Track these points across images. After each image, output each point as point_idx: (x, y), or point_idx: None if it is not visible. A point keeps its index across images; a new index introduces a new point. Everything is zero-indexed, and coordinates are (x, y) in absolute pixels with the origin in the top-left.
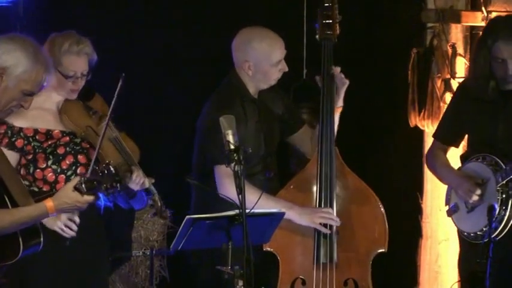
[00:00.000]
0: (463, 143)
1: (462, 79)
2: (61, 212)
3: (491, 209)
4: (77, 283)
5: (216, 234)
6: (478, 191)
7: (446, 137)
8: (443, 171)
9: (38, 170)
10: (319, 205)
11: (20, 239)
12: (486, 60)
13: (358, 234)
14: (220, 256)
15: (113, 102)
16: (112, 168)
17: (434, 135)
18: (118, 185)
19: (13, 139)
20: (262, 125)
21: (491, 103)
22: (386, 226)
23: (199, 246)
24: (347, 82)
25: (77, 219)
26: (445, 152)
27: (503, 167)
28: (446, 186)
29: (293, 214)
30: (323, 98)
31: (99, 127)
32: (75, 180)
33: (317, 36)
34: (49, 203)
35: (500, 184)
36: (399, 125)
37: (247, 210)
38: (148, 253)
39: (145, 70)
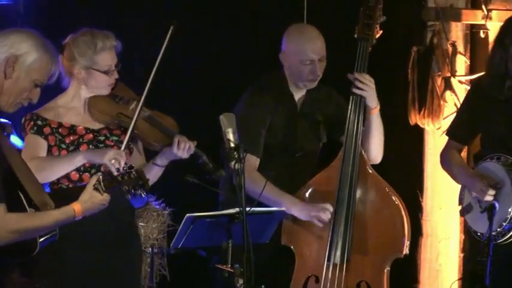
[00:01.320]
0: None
1: (462, 77)
2: (87, 214)
3: (491, 207)
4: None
5: (217, 232)
6: (491, 192)
7: (460, 135)
8: (457, 171)
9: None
10: (337, 203)
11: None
12: (502, 59)
13: (374, 238)
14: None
15: (161, 52)
16: (134, 172)
17: (448, 134)
18: (141, 189)
19: (39, 123)
20: (295, 122)
21: (506, 102)
22: (406, 232)
23: (200, 245)
24: (367, 87)
25: (124, 158)
26: (460, 150)
27: None
28: (447, 185)
29: (294, 209)
30: (352, 98)
31: (129, 111)
32: (93, 180)
33: (355, 35)
34: (77, 206)
35: None
36: (399, 123)
37: (247, 209)
38: (148, 251)
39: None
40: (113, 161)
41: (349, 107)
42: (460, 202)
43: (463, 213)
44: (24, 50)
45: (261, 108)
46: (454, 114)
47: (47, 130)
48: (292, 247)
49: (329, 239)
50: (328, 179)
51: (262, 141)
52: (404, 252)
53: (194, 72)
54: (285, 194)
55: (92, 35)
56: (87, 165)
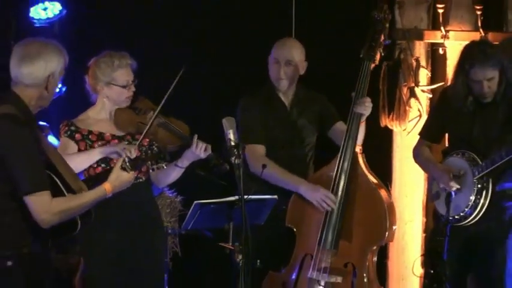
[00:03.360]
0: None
1: (424, 87)
2: (116, 191)
3: (449, 195)
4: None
5: (220, 216)
6: (456, 185)
7: (430, 135)
8: (427, 165)
9: (90, 168)
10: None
11: (78, 217)
12: (464, 82)
13: (360, 227)
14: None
15: (169, 91)
16: (155, 148)
17: (420, 134)
18: (163, 161)
19: (72, 128)
20: (288, 120)
21: (468, 110)
22: (387, 224)
23: (206, 226)
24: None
25: (135, 150)
26: (429, 147)
27: (480, 162)
28: (411, 177)
29: (303, 189)
30: (352, 113)
31: (147, 119)
32: (120, 161)
33: (361, 55)
34: (107, 186)
35: (476, 177)
36: (372, 125)
37: (245, 196)
38: None
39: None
40: (125, 149)
41: (349, 119)
42: (429, 190)
43: (431, 199)
44: (55, 66)
45: (253, 108)
46: (419, 118)
47: (78, 136)
48: (294, 228)
49: (321, 227)
50: (327, 173)
51: (261, 132)
52: (387, 241)
53: (197, 82)
54: (292, 175)
55: (110, 55)
56: (112, 165)
